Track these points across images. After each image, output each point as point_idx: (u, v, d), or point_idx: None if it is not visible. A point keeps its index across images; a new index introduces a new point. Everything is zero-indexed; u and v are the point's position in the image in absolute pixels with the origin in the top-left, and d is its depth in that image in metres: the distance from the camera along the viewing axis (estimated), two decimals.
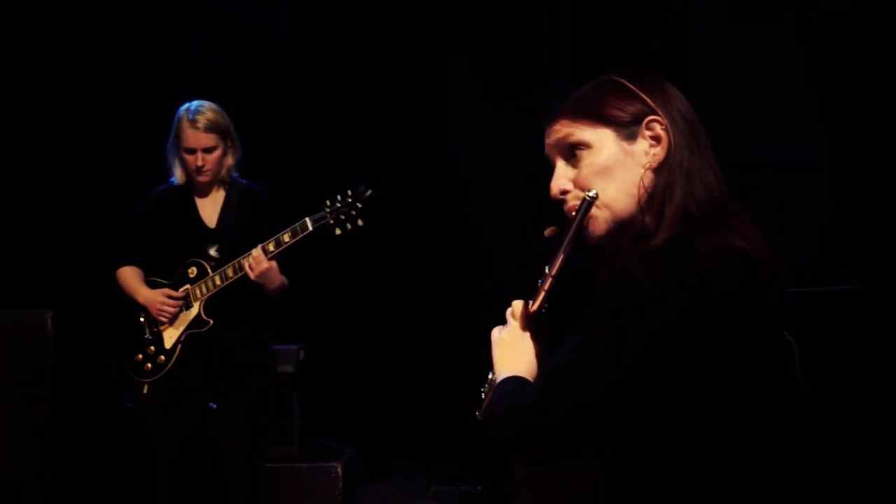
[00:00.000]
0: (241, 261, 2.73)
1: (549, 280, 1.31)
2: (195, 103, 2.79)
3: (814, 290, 2.53)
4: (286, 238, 2.67)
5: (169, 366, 2.79)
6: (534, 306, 1.34)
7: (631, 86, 1.30)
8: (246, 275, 2.72)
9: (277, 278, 2.76)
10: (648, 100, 1.28)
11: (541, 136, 1.35)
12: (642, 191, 1.26)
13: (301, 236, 2.66)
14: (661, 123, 1.28)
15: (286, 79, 4.47)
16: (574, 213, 1.28)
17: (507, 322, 1.39)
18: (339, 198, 2.68)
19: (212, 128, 2.74)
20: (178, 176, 2.85)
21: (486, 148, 4.28)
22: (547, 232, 1.34)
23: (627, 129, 1.28)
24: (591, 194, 1.26)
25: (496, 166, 4.22)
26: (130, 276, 2.89)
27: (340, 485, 3.45)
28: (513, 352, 1.35)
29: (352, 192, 2.69)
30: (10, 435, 3.07)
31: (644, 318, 1.15)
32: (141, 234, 2.92)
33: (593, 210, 1.27)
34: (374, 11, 4.51)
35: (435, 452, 4.07)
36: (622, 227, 1.28)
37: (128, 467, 3.40)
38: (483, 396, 1.44)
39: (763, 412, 1.20)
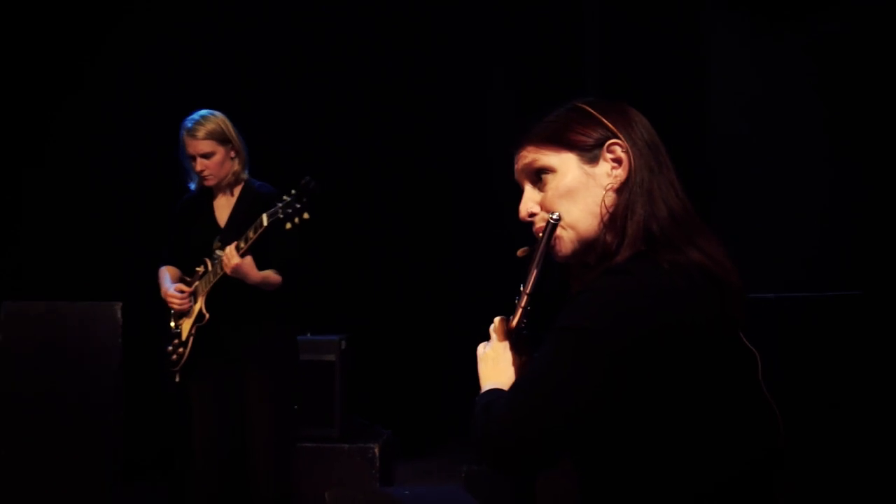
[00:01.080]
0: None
1: (525, 297, 1.29)
2: (196, 113, 2.80)
3: (813, 296, 2.40)
4: (251, 234, 2.62)
5: (185, 357, 2.80)
6: (513, 322, 1.32)
7: (593, 111, 1.27)
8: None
9: (253, 273, 2.68)
10: (610, 124, 1.26)
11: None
12: (604, 211, 1.23)
13: (260, 231, 2.58)
14: (621, 146, 1.25)
15: (311, 85, 4.43)
16: (541, 234, 1.26)
17: (490, 338, 1.36)
18: (292, 191, 2.56)
19: (207, 135, 2.74)
20: (194, 182, 2.87)
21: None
22: (519, 252, 1.34)
23: (590, 153, 1.26)
24: (554, 217, 1.25)
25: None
26: (163, 274, 2.93)
27: (378, 464, 3.46)
28: (497, 366, 1.33)
29: (299, 185, 2.55)
30: (83, 420, 3.13)
31: (612, 337, 1.11)
32: (174, 235, 2.95)
33: (559, 231, 1.26)
34: (416, 25, 4.46)
35: (466, 434, 4.04)
36: (587, 245, 1.26)
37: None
38: None
39: (733, 427, 1.16)
